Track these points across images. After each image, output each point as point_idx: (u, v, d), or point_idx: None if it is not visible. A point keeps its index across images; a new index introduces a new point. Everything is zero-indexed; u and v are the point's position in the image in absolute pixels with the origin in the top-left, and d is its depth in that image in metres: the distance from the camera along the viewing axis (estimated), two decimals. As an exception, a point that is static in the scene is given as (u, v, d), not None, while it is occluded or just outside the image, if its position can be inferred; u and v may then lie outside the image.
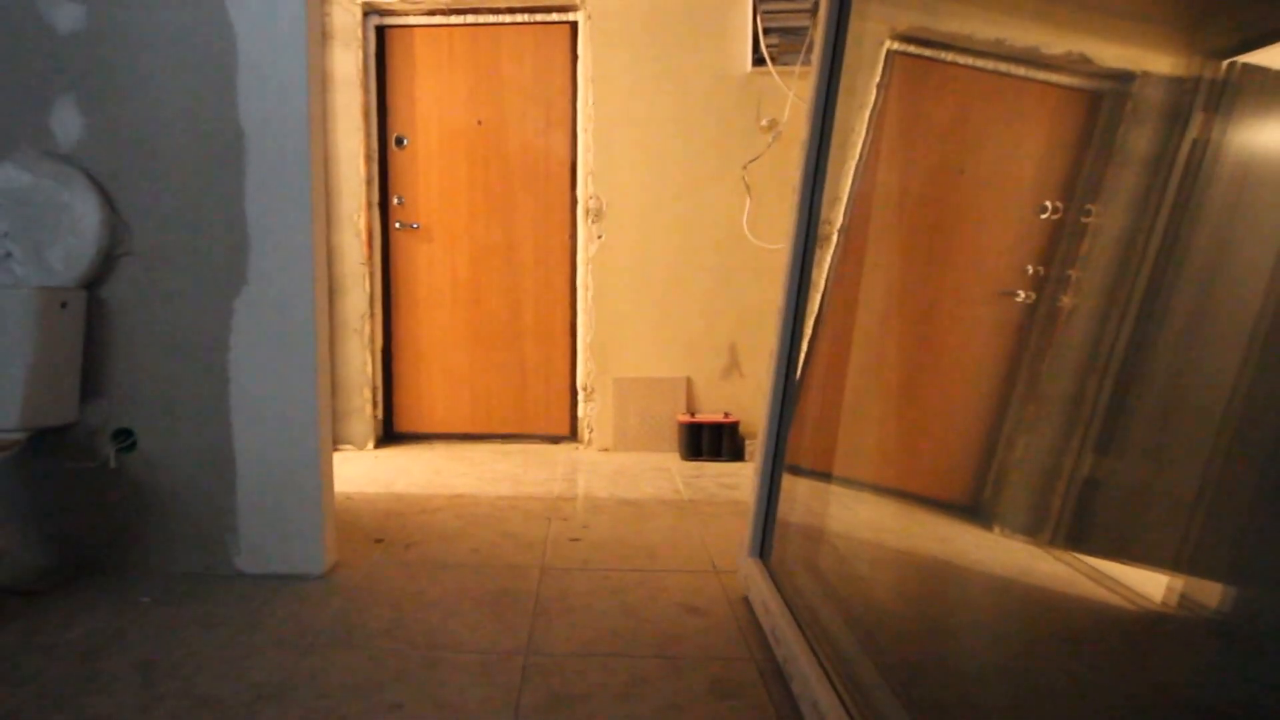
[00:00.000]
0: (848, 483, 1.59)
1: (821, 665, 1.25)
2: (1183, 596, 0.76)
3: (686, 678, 1.40)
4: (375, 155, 3.27)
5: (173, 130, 1.77)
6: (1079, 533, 0.94)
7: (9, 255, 1.74)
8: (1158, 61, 1.03)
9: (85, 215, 1.74)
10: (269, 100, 1.74)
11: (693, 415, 3.20)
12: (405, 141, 3.29)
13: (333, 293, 3.19)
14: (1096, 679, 0.85)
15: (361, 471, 2.87)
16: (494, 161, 3.30)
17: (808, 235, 1.66)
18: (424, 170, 3.31)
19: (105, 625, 1.57)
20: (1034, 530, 1.03)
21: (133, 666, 1.41)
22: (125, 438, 1.82)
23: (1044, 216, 1.16)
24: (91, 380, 1.81)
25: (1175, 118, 0.96)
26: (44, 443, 1.80)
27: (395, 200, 3.32)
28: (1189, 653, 0.75)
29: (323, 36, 3.04)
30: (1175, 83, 0.99)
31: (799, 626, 1.39)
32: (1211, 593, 0.73)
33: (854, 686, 1.17)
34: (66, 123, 1.78)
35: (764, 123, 3.11)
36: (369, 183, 3.24)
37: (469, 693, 1.34)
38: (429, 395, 3.42)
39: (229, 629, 1.57)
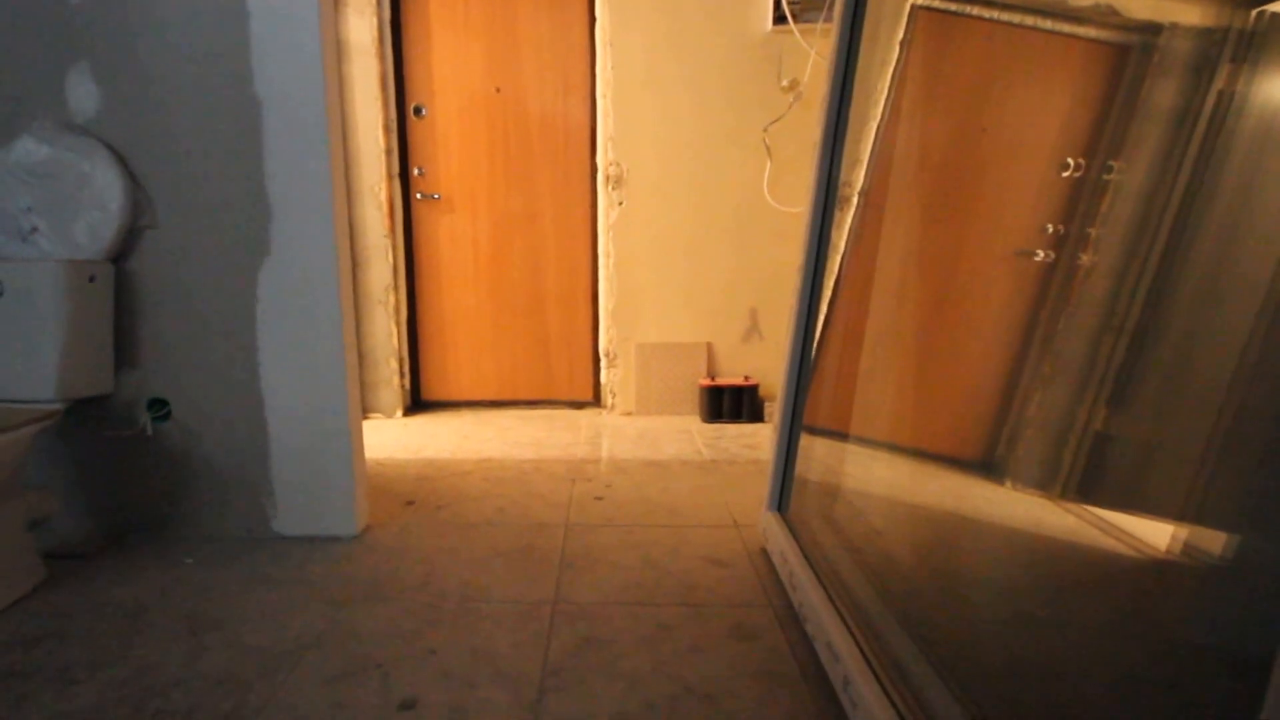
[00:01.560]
0: (864, 441, 1.61)
1: (836, 608, 1.29)
2: (1186, 545, 0.78)
3: (708, 623, 1.45)
4: (394, 126, 3.28)
5: (189, 100, 1.76)
6: (1089, 486, 0.96)
7: (35, 230, 1.72)
8: (1186, 12, 1.01)
9: (107, 187, 1.73)
10: (284, 67, 1.73)
11: (713, 379, 3.23)
12: (424, 111, 3.30)
13: (357, 265, 3.23)
14: (1102, 621, 0.88)
15: (391, 439, 2.95)
16: (513, 130, 3.30)
17: (827, 197, 1.66)
18: (443, 140, 3.32)
19: (151, 584, 1.66)
20: (1045, 484, 1.05)
21: (179, 621, 1.49)
22: (160, 407, 1.88)
23: (1065, 174, 1.16)
24: (125, 352, 1.85)
25: (1201, 69, 0.94)
26: (83, 413, 1.86)
27: (415, 171, 3.33)
28: (1191, 597, 0.77)
29: (335, 2, 3.01)
30: (1203, 34, 0.97)
31: (815, 574, 1.43)
32: (1214, 540, 0.75)
33: (866, 627, 1.21)
34: (82, 93, 1.77)
35: (785, 83, 3.07)
36: (389, 154, 3.25)
37: (500, 638, 1.40)
38: (455, 364, 3.47)
39: (269, 586, 1.64)
